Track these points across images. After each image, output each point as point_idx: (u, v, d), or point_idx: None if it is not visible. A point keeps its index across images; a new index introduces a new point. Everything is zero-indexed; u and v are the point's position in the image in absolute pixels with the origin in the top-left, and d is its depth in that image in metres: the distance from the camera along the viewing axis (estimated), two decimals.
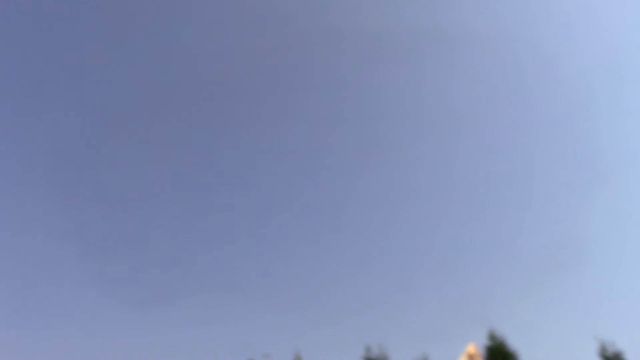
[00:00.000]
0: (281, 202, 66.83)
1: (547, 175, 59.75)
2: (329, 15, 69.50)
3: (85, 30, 63.82)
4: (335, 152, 68.04)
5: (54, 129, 63.91)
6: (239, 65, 70.34)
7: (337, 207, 65.80)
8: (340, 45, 70.49)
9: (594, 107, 57.85)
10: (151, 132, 68.19)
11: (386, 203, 63.20)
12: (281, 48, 71.19)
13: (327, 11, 70.52)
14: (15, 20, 58.01)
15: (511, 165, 62.88)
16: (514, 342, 18.79)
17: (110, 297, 49.61)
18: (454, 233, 55.52)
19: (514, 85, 66.45)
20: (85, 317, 47.56)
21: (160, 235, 61.86)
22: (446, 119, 68.36)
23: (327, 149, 69.22)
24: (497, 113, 64.76)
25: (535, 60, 64.27)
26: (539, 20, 64.49)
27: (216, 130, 70.75)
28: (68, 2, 63.40)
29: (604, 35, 62.56)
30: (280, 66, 73.96)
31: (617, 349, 16.57)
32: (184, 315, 42.62)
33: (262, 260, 58.53)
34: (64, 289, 55.46)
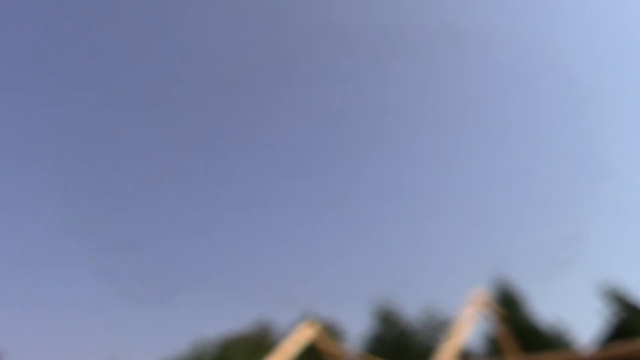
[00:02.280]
0: (284, 197, 67.29)
1: (547, 172, 59.79)
2: (332, 11, 68.07)
3: (88, 25, 62.98)
4: (338, 148, 67.99)
5: (57, 124, 63.90)
6: (242, 60, 69.36)
7: (339, 201, 66.41)
8: (343, 41, 69.48)
9: (597, 105, 57.27)
10: (151, 127, 68.10)
11: (385, 200, 63.57)
12: (283, 43, 70.10)
13: (331, 7, 69.10)
14: (16, 17, 57.30)
15: (511, 162, 62.86)
16: (520, 286, 19.46)
17: (112, 292, 50.72)
18: (453, 230, 55.93)
19: (515, 82, 65.68)
20: (86, 311, 48.82)
21: (161, 229, 62.76)
22: (446, 117, 67.93)
23: (330, 144, 69.12)
24: (497, 111, 64.21)
25: (537, 58, 63.24)
26: (542, 18, 63.09)
27: (217, 126, 70.46)
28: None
29: (607, 32, 61.25)
30: (283, 62, 73.02)
31: (622, 288, 17.19)
32: (185, 310, 43.68)
33: (263, 255, 59.58)
34: (64, 283, 56.69)
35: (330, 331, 26.27)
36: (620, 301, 16.76)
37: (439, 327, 19.36)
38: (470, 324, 8.86)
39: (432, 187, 65.38)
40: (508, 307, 18.25)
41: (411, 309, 20.69)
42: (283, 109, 70.08)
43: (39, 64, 63.02)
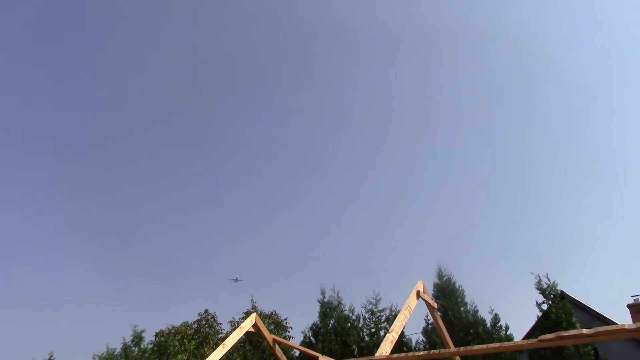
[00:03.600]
0: (284, 199, 67.02)
1: (543, 172, 61.76)
2: (329, 11, 67.46)
3: (89, 27, 60.12)
4: (337, 149, 68.18)
5: (55, 124, 60.90)
6: (239, 61, 68.06)
7: (339, 202, 66.80)
8: (340, 41, 69.20)
9: (594, 105, 59.55)
10: (150, 129, 66.10)
11: (382, 201, 64.23)
12: (281, 44, 69.17)
13: (327, 7, 68.53)
14: (16, 17, 53.85)
15: (507, 162, 64.58)
16: (460, 280, 19.91)
17: (112, 294, 48.87)
18: (446, 228, 57.22)
19: (511, 82, 67.25)
20: (85, 312, 47.01)
21: (162, 231, 61.16)
22: (443, 116, 69.04)
23: (329, 146, 69.24)
24: (495, 110, 65.65)
25: (534, 58, 64.95)
26: (540, 17, 64.63)
27: (216, 127, 69.27)
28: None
29: (606, 32, 63.52)
30: (280, 62, 72.17)
31: (553, 281, 17.88)
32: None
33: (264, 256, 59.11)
34: (64, 285, 54.42)
35: (274, 324, 26.14)
36: (554, 294, 17.43)
37: (380, 320, 19.54)
38: (409, 316, 8.87)
39: (391, 177, 66.51)
40: (448, 299, 18.65)
41: (354, 301, 20.76)
42: (280, 111, 69.35)
43: (38, 63, 59.70)
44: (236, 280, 36.32)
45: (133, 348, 20.58)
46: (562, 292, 18.32)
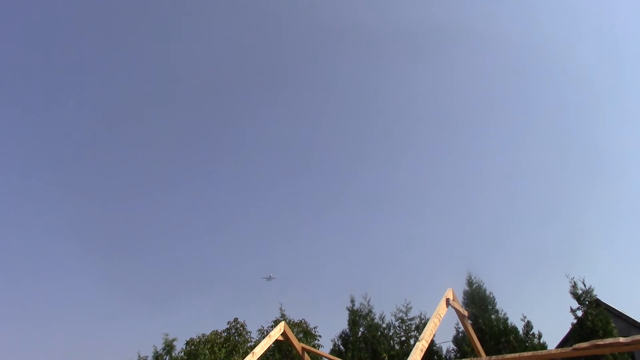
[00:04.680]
0: (284, 198, 67.77)
1: (543, 172, 60.82)
2: (323, 12, 68.22)
3: (86, 29, 62.37)
4: (329, 150, 68.65)
5: (55, 124, 63.04)
6: (235, 62, 69.36)
7: (333, 202, 67.20)
8: (335, 42, 69.87)
9: (595, 105, 58.47)
10: (149, 130, 67.88)
11: (379, 204, 64.27)
12: (275, 45, 70.24)
13: (321, 8, 69.28)
14: (16, 16, 56.27)
15: (508, 163, 63.81)
16: (491, 287, 19.55)
17: (113, 293, 50.01)
18: (445, 231, 56.72)
19: (512, 82, 66.53)
20: (86, 312, 48.22)
21: (162, 230, 62.48)
22: (441, 117, 68.72)
23: (320, 147, 69.84)
24: (494, 111, 65.01)
25: (534, 57, 64.23)
26: (539, 17, 63.94)
27: (216, 127, 70.64)
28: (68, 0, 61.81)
29: (605, 32, 62.46)
30: (274, 63, 73.24)
31: (588, 286, 17.37)
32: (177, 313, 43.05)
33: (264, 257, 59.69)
34: (65, 284, 55.97)
35: (303, 332, 26.14)
36: (589, 301, 16.94)
37: (411, 328, 19.34)
38: (439, 325, 8.79)
39: (418, 185, 66.06)
40: (478, 307, 18.34)
41: (384, 310, 20.60)
42: (274, 112, 70.06)
43: (38, 69, 61.97)
44: (269, 278, 36.46)
45: (165, 357, 20.87)
46: (597, 299, 17.76)
